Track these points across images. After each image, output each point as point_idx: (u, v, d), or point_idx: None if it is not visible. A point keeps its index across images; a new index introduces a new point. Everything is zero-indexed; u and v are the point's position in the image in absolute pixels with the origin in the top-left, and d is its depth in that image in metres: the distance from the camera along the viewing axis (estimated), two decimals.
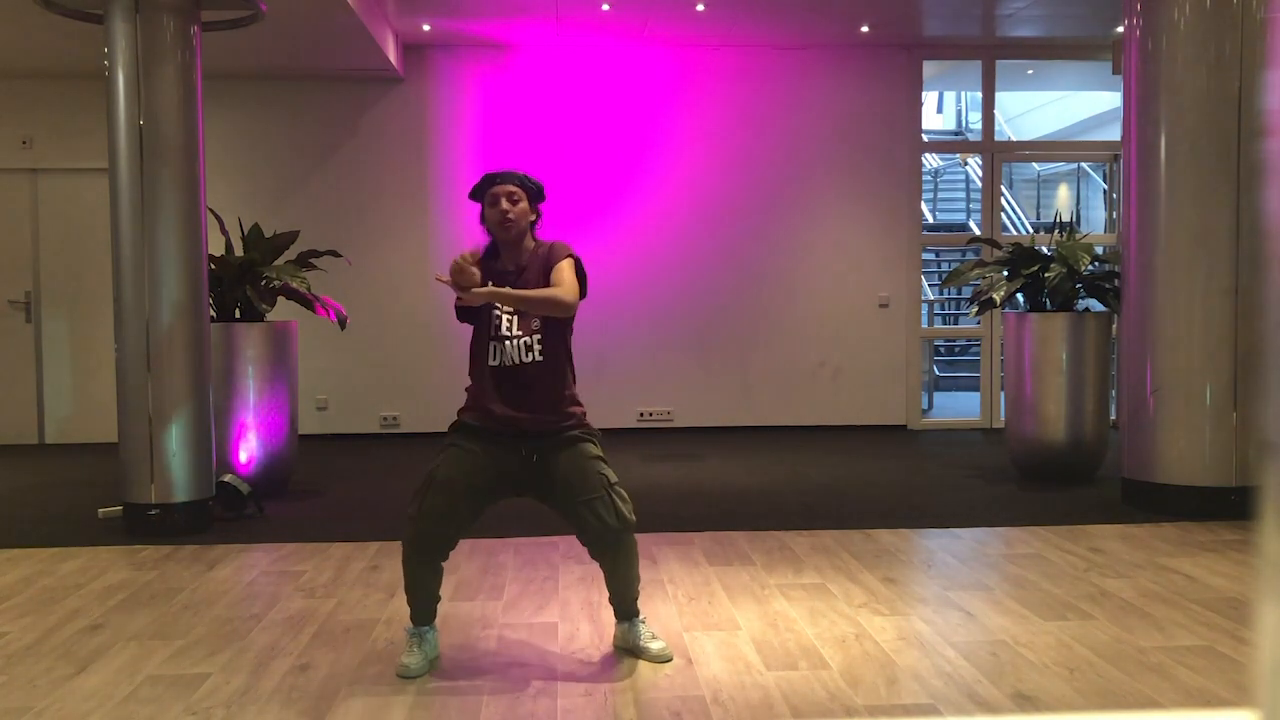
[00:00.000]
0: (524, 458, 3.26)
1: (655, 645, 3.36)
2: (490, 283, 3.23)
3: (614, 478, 3.29)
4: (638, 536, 3.34)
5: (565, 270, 3.27)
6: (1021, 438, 6.44)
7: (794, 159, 8.67)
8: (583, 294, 3.29)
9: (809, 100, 8.67)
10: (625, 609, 3.40)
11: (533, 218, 3.37)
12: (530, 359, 3.26)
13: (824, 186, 8.71)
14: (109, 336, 5.90)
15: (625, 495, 3.28)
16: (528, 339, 3.27)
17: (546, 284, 3.26)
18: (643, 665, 3.27)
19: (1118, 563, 4.43)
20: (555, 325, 3.30)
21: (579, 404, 3.38)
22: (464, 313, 3.32)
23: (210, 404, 5.39)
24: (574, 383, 3.39)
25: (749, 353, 8.72)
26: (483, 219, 3.37)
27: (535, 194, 3.37)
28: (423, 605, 3.33)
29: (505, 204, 3.30)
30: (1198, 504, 5.22)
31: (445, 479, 3.22)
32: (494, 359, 3.28)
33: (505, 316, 3.28)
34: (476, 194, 3.38)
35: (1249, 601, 3.83)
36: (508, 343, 3.27)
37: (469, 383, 3.37)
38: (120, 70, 5.10)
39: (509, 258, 3.37)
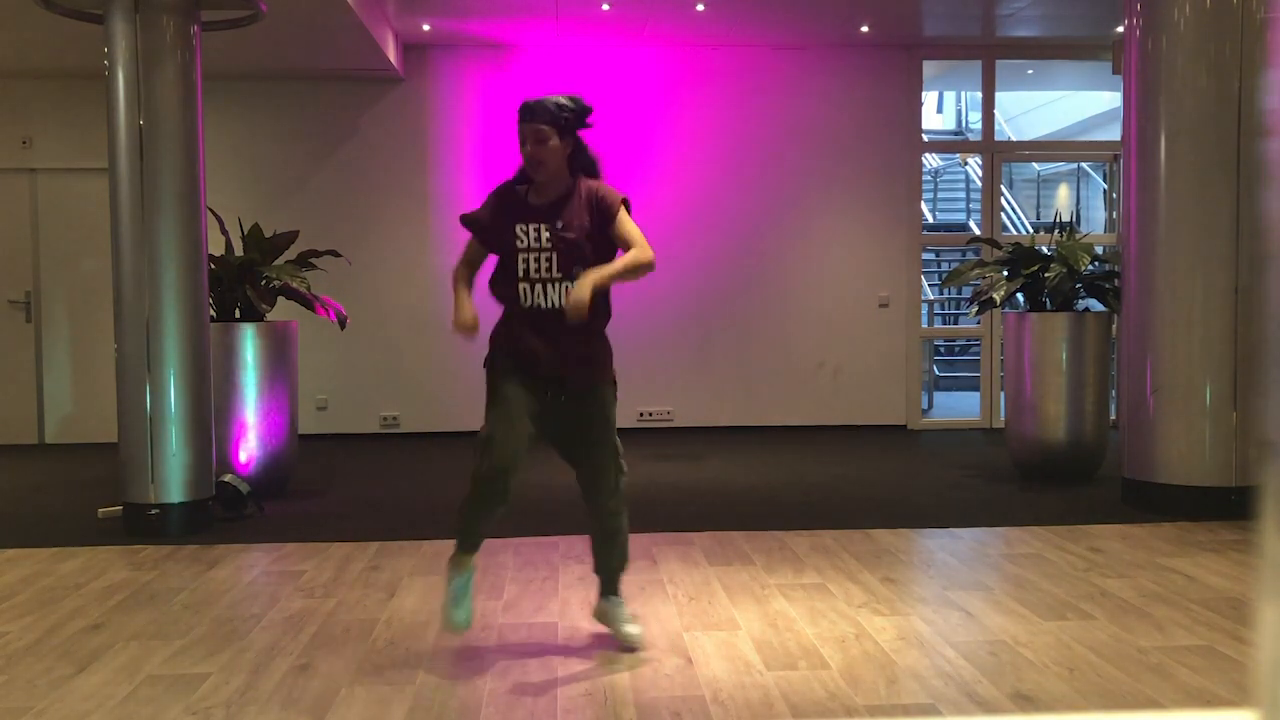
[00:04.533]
0: (550, 400, 3.23)
1: (631, 629, 3.42)
2: (515, 213, 3.20)
3: (620, 447, 3.36)
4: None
5: (629, 227, 3.22)
6: (1021, 437, 6.43)
7: (794, 159, 8.67)
8: None
9: (809, 100, 8.67)
10: (609, 583, 3.47)
11: (567, 151, 3.24)
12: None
13: (824, 186, 8.71)
14: (109, 336, 5.89)
15: (623, 466, 3.36)
16: (568, 283, 3.16)
17: (588, 226, 3.20)
18: (643, 665, 3.27)
19: (1118, 563, 4.43)
20: (597, 262, 3.20)
21: (608, 345, 3.35)
22: (483, 241, 3.30)
23: (210, 404, 5.40)
24: (609, 318, 3.34)
25: (749, 353, 8.72)
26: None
27: (570, 124, 3.22)
28: (474, 539, 3.31)
29: (531, 147, 3.20)
30: (1198, 504, 5.22)
31: (508, 422, 3.15)
32: (527, 301, 3.19)
33: (533, 257, 3.17)
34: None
35: (1249, 601, 3.83)
36: (547, 286, 3.17)
37: (495, 324, 3.30)
38: (120, 70, 5.11)
39: (541, 190, 3.27)
